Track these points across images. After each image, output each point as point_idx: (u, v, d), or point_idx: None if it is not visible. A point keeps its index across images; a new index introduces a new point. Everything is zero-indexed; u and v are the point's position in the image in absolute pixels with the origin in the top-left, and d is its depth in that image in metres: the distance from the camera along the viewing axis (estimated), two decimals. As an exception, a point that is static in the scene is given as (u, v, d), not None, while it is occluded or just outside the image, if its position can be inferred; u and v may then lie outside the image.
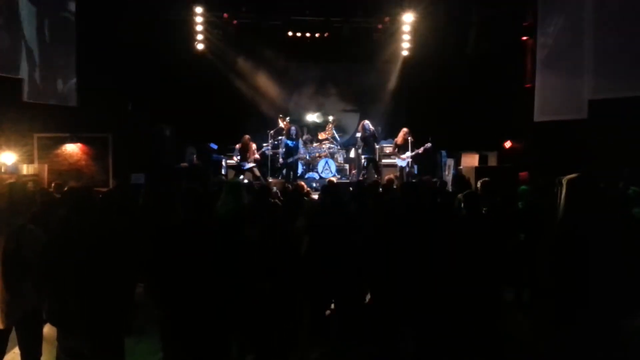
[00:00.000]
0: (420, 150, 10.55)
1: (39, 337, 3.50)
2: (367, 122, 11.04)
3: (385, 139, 12.55)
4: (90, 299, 2.85)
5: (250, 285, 3.42)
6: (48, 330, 3.58)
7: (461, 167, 10.73)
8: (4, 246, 3.22)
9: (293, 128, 11.05)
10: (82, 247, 2.88)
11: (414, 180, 9.06)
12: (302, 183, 6.52)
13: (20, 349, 3.45)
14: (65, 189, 3.94)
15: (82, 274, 2.84)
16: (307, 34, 12.82)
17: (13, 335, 3.44)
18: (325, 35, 12.78)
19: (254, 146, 11.01)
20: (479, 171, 9.13)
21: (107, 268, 2.89)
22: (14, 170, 8.12)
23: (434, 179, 8.76)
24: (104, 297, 2.87)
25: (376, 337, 3.99)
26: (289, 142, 10.87)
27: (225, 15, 12.27)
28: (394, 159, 11.09)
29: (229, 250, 3.10)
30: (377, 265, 3.82)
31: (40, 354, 3.50)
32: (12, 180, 4.36)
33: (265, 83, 13.50)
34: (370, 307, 4.31)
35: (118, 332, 3.05)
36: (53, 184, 7.51)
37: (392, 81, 13.56)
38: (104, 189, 6.70)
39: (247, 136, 10.96)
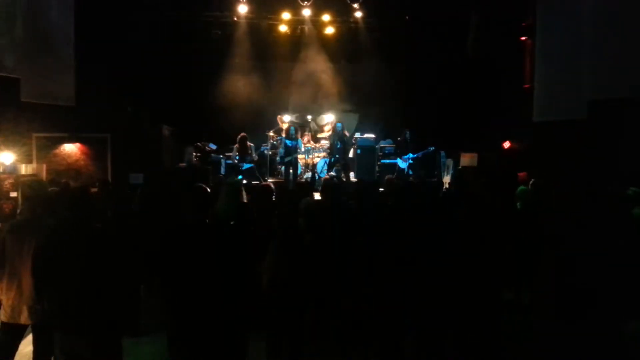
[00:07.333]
0: (421, 154, 10.62)
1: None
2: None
3: (384, 139, 12.55)
4: (89, 299, 2.83)
5: (257, 286, 3.41)
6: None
7: (460, 167, 10.73)
8: (36, 244, 3.20)
9: (292, 128, 11.04)
10: (79, 247, 2.87)
11: (416, 182, 9.07)
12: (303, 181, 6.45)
13: (35, 348, 3.48)
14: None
15: (80, 274, 2.83)
16: (306, 33, 12.82)
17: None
18: (325, 34, 12.76)
19: (251, 145, 11.01)
20: (478, 171, 9.12)
21: (105, 269, 2.88)
22: (13, 170, 8.08)
23: (434, 179, 8.76)
24: (102, 298, 2.86)
25: (378, 337, 3.98)
26: (288, 141, 10.85)
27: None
28: (394, 159, 11.11)
29: (236, 250, 3.08)
30: (382, 265, 3.81)
31: (52, 355, 3.50)
32: (30, 179, 4.35)
33: (263, 83, 13.47)
34: (373, 306, 4.29)
35: (117, 333, 3.04)
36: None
37: (392, 81, 13.54)
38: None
39: (243, 134, 10.95)
